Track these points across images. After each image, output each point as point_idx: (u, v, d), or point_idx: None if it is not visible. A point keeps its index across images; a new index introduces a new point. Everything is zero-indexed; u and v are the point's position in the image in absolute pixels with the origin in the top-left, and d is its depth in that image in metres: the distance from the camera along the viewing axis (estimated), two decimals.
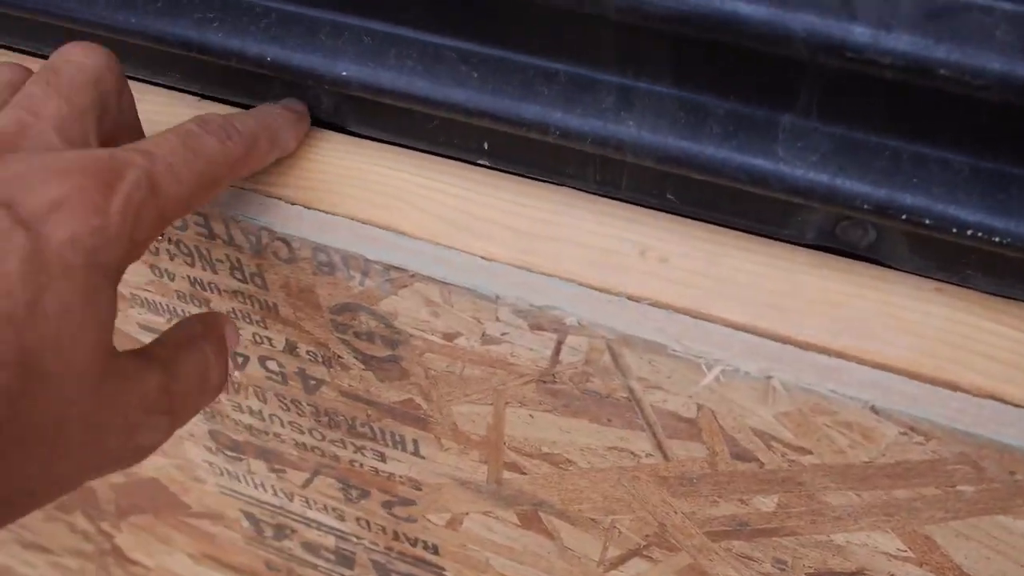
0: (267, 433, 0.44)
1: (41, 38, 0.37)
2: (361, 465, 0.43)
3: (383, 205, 0.33)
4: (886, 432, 0.28)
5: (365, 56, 0.32)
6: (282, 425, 0.43)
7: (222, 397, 0.43)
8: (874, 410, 0.28)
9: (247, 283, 0.36)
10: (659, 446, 0.33)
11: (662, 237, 0.31)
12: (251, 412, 0.43)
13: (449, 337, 0.33)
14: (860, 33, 0.25)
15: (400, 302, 0.33)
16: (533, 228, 0.32)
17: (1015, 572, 0.31)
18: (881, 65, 0.25)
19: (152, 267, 0.38)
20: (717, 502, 0.34)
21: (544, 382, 0.33)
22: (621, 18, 0.28)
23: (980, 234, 0.27)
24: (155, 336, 0.30)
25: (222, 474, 0.49)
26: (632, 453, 0.34)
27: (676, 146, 0.29)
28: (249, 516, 0.52)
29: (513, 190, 0.33)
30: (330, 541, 0.50)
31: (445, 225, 0.32)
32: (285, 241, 0.33)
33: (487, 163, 0.34)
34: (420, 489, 0.42)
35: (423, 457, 0.40)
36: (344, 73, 0.32)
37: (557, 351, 0.31)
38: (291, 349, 0.38)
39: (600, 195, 0.33)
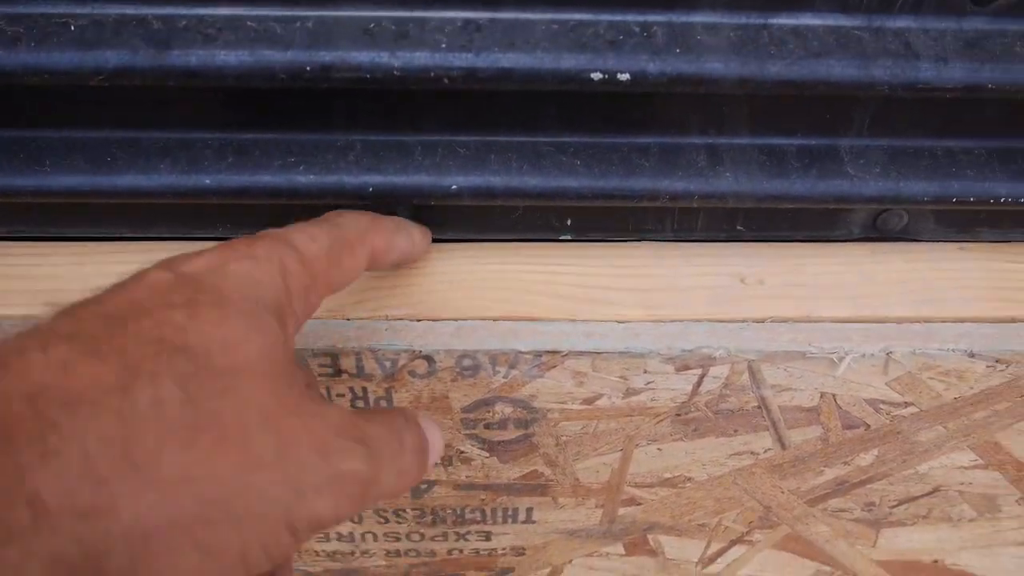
0: (353, 554, 0.43)
1: (103, 217, 0.35)
2: (461, 551, 0.43)
3: (508, 299, 0.35)
4: (976, 369, 0.35)
5: (468, 167, 0.33)
6: (375, 540, 0.43)
7: None
8: (970, 354, 0.35)
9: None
10: (779, 439, 0.38)
11: (748, 263, 0.36)
12: (340, 537, 0.42)
13: (589, 401, 0.36)
14: (925, 68, 0.31)
15: (544, 383, 0.35)
16: (645, 284, 0.35)
17: None
18: (942, 88, 0.32)
19: None
20: (823, 471, 0.40)
21: (679, 415, 0.37)
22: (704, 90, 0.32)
23: (1009, 200, 0.34)
24: None
25: None
26: (752, 452, 0.39)
27: (769, 186, 0.34)
28: None
29: (608, 255, 0.36)
30: None
31: (572, 302, 0.35)
32: (427, 358, 0.34)
33: (569, 237, 0.37)
34: (523, 554, 0.44)
35: (534, 522, 0.42)
36: (454, 187, 0.33)
37: (699, 383, 0.35)
38: None
39: (677, 240, 0.37)
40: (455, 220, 0.36)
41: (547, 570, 0.45)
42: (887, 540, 0.44)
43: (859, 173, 0.34)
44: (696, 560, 0.45)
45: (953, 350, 0.35)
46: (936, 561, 0.46)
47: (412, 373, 0.34)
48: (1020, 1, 0.31)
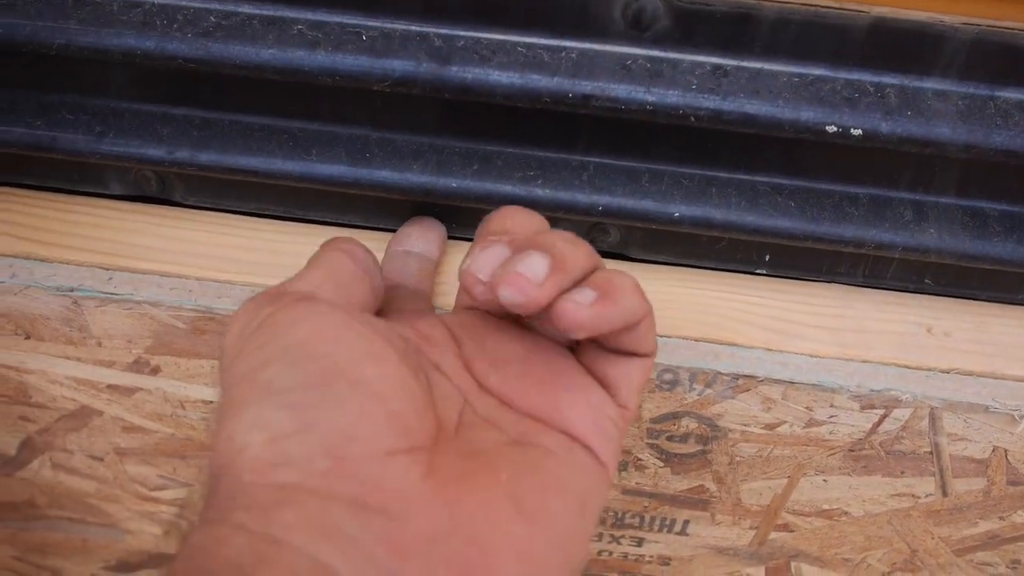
0: None
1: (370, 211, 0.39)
2: (610, 553, 0.46)
3: (709, 323, 0.37)
4: None
5: (690, 198, 0.36)
6: None
7: None
8: None
9: None
10: (943, 486, 0.40)
11: (935, 315, 0.38)
12: None
13: (771, 426, 0.38)
14: None
15: (733, 404, 0.37)
16: (836, 324, 0.38)
17: None
18: None
19: None
20: (977, 523, 0.41)
21: (852, 450, 0.39)
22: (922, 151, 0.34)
23: None
24: None
25: None
26: (913, 495, 0.40)
27: (970, 246, 0.36)
28: None
29: (800, 293, 0.39)
30: None
31: (767, 333, 0.37)
32: None
33: (765, 271, 0.39)
34: (668, 564, 0.46)
35: (687, 535, 0.44)
36: (676, 214, 0.36)
37: (879, 423, 0.37)
38: None
39: (866, 286, 0.39)
40: (664, 244, 0.38)
41: None
42: None
43: None
44: None
45: None
46: None
47: None
48: None
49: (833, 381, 0.36)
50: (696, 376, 0.36)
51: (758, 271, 0.39)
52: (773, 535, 0.44)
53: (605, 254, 0.39)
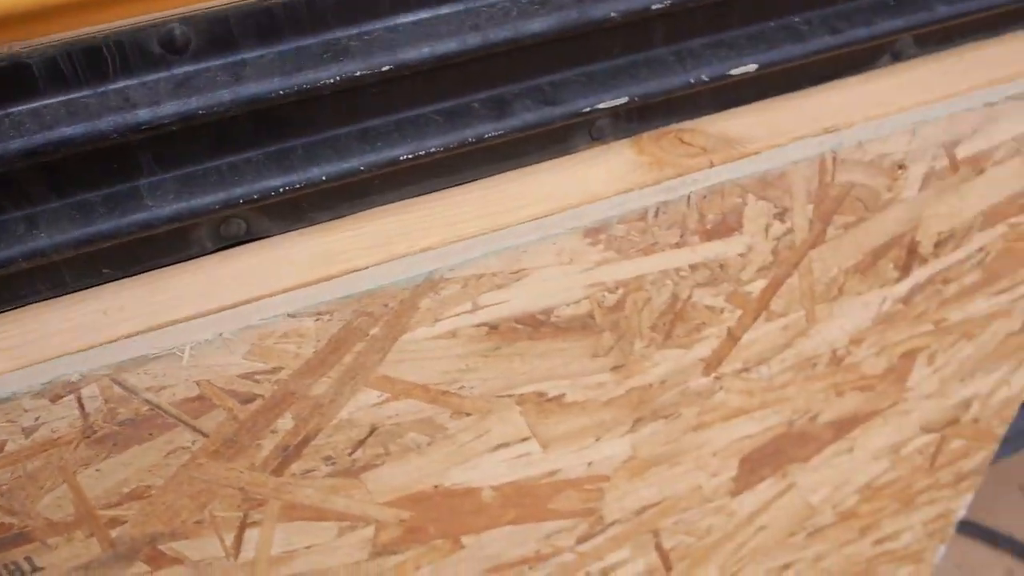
0: None
1: None
2: None
3: None
4: (306, 325, 0.44)
5: None
6: None
7: None
8: (290, 315, 0.43)
9: None
10: (195, 429, 0.45)
11: (111, 301, 0.44)
12: None
13: (0, 447, 0.42)
14: None
15: None
16: (18, 342, 0.42)
17: None
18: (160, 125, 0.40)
19: None
20: (260, 444, 0.47)
21: (89, 436, 0.43)
22: None
23: (281, 191, 0.43)
24: None
25: None
26: (182, 448, 0.46)
27: (81, 235, 0.41)
28: None
29: None
30: None
31: None
32: None
33: None
34: None
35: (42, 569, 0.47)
36: None
37: (81, 406, 0.42)
38: None
39: (46, 299, 0.44)
40: None
41: None
42: (376, 482, 0.52)
43: (157, 204, 0.42)
44: (224, 554, 0.51)
45: (274, 316, 0.43)
46: (437, 486, 0.55)
47: None
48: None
49: (10, 391, 0.40)
50: None
51: None
52: (114, 532, 0.47)
53: None
